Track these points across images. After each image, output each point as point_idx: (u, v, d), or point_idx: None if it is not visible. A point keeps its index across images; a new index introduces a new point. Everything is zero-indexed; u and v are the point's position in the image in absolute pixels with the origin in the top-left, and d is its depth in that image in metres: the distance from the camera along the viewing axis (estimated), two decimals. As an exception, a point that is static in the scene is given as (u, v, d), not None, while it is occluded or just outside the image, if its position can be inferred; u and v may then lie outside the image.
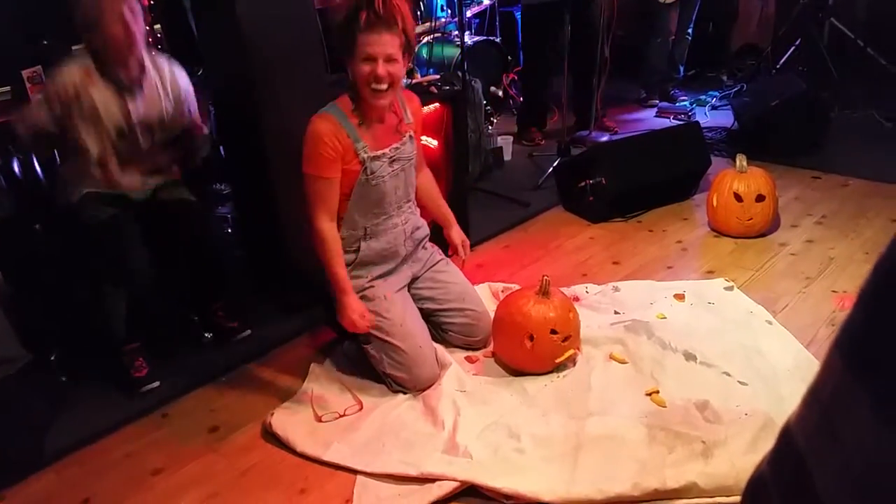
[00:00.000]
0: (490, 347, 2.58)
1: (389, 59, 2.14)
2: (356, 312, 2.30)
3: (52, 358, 2.60)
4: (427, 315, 2.55)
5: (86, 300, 2.57)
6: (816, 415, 0.50)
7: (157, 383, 2.52)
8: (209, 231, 2.75)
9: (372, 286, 2.42)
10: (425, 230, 2.59)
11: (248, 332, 2.78)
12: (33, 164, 2.78)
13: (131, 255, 2.44)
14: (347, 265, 2.38)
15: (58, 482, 2.17)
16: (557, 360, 2.40)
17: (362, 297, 2.37)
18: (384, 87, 2.17)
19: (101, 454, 2.26)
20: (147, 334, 2.63)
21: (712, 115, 4.98)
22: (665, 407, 2.22)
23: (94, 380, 2.57)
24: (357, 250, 2.40)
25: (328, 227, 2.30)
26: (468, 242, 2.69)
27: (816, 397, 0.50)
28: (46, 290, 2.63)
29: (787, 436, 0.53)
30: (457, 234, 2.65)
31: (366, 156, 2.26)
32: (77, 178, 2.51)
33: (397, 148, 2.35)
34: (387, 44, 2.12)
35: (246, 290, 3.03)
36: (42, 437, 2.30)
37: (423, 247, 2.59)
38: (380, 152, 2.30)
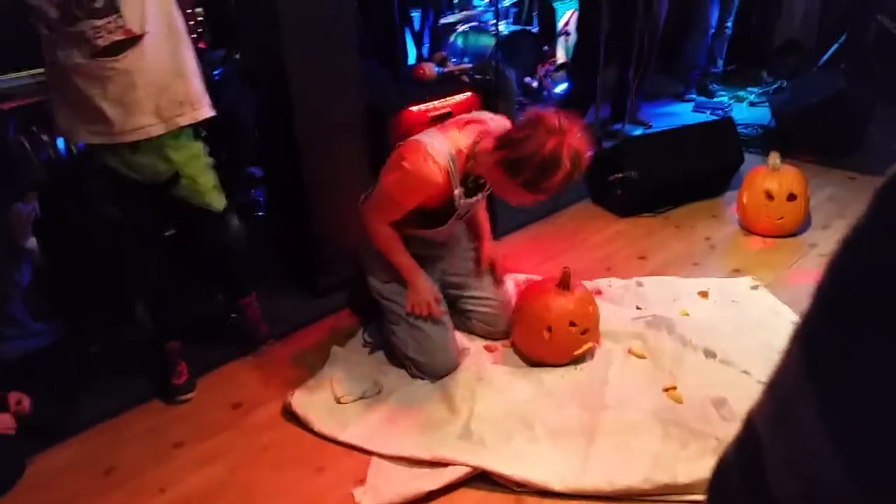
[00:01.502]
0: (509, 338, 2.60)
1: None
2: (423, 296, 2.37)
3: (84, 329, 2.69)
4: (452, 301, 2.58)
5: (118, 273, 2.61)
6: (774, 404, 0.51)
7: (192, 395, 2.44)
8: (231, 242, 2.50)
9: None
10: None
11: (274, 340, 2.68)
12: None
13: (143, 267, 2.39)
14: None
15: (82, 452, 2.25)
16: (575, 353, 2.41)
17: (399, 277, 2.42)
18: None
19: (125, 426, 2.34)
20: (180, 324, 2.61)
21: (750, 112, 4.90)
22: (682, 403, 2.22)
23: (124, 352, 2.65)
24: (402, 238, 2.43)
25: (386, 228, 2.34)
26: (502, 261, 2.67)
27: (777, 385, 0.51)
28: (80, 262, 2.70)
29: (748, 420, 0.54)
30: (488, 249, 2.62)
31: (459, 201, 2.28)
32: (71, 119, 2.14)
33: (484, 190, 2.38)
34: None
35: (273, 273, 3.09)
36: (69, 408, 2.39)
37: (458, 241, 2.61)
38: (470, 200, 2.32)
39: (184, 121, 2.17)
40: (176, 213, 2.44)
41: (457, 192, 2.24)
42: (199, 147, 2.28)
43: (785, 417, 0.49)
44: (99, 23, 1.97)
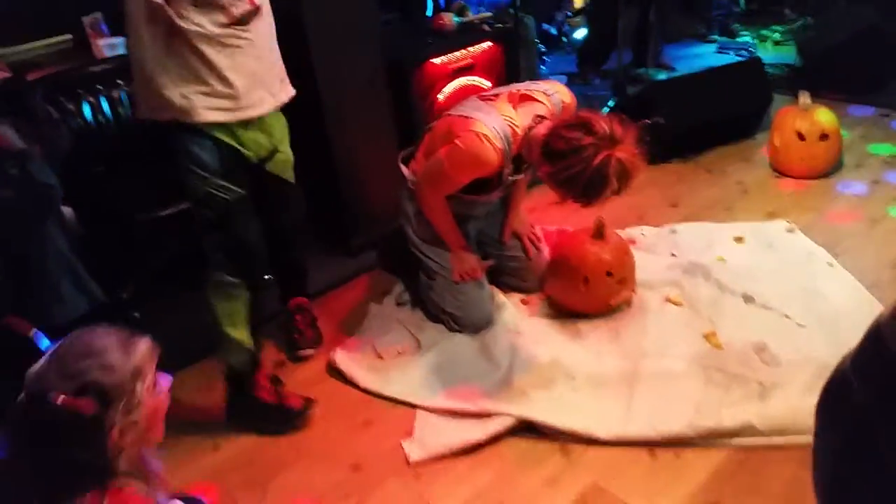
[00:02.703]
0: (545, 290, 2.61)
1: None
2: (469, 263, 2.42)
3: (125, 296, 2.72)
4: (485, 257, 2.59)
5: (170, 237, 2.57)
6: None
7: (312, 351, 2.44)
8: (303, 218, 2.46)
9: None
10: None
11: (312, 351, 2.50)
12: (103, 106, 2.82)
13: (256, 251, 2.20)
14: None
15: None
16: (612, 303, 2.42)
17: (436, 235, 2.43)
18: None
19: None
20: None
21: (775, 51, 4.79)
22: (722, 349, 2.23)
23: (168, 317, 2.67)
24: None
25: (440, 201, 2.34)
26: (531, 231, 2.65)
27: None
28: (119, 229, 2.71)
29: (877, 339, 0.54)
30: (512, 222, 2.59)
31: (509, 178, 2.27)
32: (189, 95, 1.93)
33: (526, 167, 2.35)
34: None
35: (305, 234, 3.09)
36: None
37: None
38: (516, 178, 2.32)
39: (285, 97, 2.14)
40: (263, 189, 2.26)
41: (507, 170, 2.23)
42: (286, 121, 2.23)
43: None
44: None
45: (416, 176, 2.39)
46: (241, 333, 2.14)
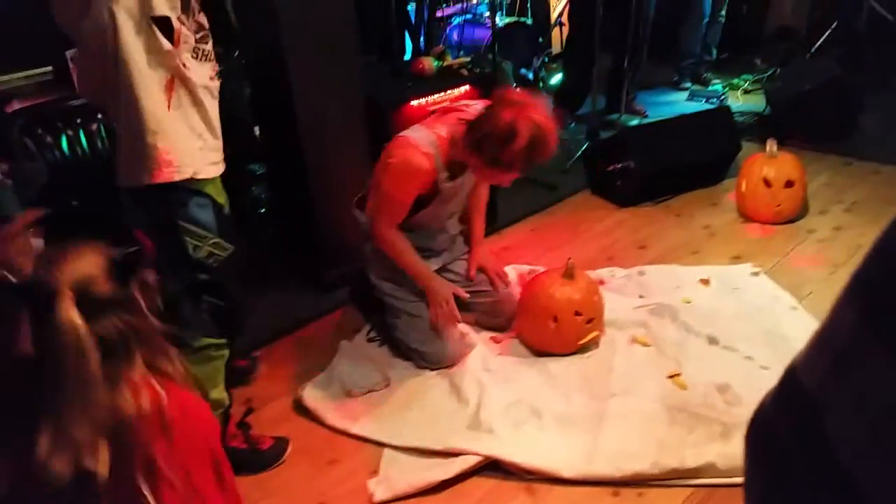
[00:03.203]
0: (515, 328, 2.63)
1: None
2: (443, 295, 2.43)
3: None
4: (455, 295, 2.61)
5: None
6: (828, 361, 0.53)
7: (286, 454, 2.20)
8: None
9: None
10: (459, 227, 2.68)
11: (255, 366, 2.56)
12: (81, 140, 2.83)
13: (240, 301, 2.10)
14: None
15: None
16: (581, 342, 2.45)
17: (397, 273, 2.46)
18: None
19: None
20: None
21: (744, 100, 4.93)
22: (686, 389, 2.26)
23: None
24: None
25: (393, 232, 2.38)
26: (497, 267, 2.68)
27: (827, 343, 0.53)
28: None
29: (793, 377, 0.56)
30: (477, 255, 2.65)
31: (444, 185, 2.34)
32: (194, 151, 1.81)
33: (467, 175, 2.40)
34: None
35: (279, 269, 3.11)
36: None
37: (455, 240, 2.67)
38: (453, 184, 2.37)
39: None
40: None
41: (441, 175, 2.29)
42: None
43: (844, 372, 0.51)
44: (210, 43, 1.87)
45: (369, 215, 2.43)
46: (220, 393, 2.04)
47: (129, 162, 1.78)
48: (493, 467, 2.06)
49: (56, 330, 1.00)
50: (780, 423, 0.58)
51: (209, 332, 1.95)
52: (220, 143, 1.89)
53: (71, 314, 1.01)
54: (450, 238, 2.61)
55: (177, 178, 1.78)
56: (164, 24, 1.71)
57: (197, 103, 1.80)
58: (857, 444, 0.50)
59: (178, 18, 1.73)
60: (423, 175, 2.25)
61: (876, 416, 0.49)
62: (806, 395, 0.55)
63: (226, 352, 2.03)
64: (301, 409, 2.34)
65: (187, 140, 1.79)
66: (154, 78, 1.72)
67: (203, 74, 1.81)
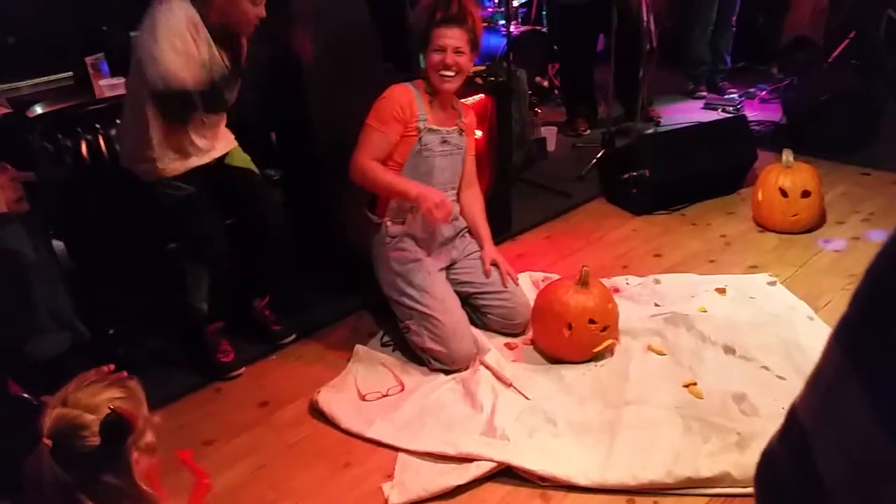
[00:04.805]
0: (529, 335, 2.63)
1: (457, 51, 2.45)
2: (433, 196, 2.42)
3: (111, 332, 2.73)
4: (465, 298, 2.63)
5: (157, 277, 2.63)
6: (818, 398, 0.55)
7: (242, 370, 2.58)
8: (271, 207, 2.67)
9: (418, 259, 2.56)
10: (463, 223, 2.72)
11: (294, 336, 2.76)
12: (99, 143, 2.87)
13: (211, 234, 2.46)
14: (393, 237, 2.57)
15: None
16: (595, 350, 2.45)
17: (407, 271, 2.52)
18: (451, 74, 2.47)
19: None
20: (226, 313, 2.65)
21: (761, 109, 4.92)
22: (702, 398, 2.25)
23: (153, 354, 2.69)
24: (404, 222, 2.56)
25: (372, 162, 2.49)
26: (507, 266, 2.71)
27: (818, 381, 0.55)
28: (109, 265, 2.73)
29: (793, 415, 0.58)
30: (488, 253, 2.70)
31: (423, 126, 2.50)
32: (146, 153, 2.36)
33: (449, 132, 2.58)
34: (456, 38, 2.44)
35: (294, 274, 3.12)
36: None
37: (462, 236, 2.71)
38: (435, 128, 2.53)
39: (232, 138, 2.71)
40: (220, 179, 2.62)
41: (420, 115, 2.51)
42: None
43: (830, 408, 0.53)
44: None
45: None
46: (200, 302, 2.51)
47: (128, 157, 2.49)
48: (507, 473, 2.06)
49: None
50: (783, 461, 0.60)
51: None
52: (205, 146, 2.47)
53: None
54: (451, 227, 2.63)
55: (151, 179, 2.42)
56: None
57: (186, 135, 2.40)
58: (841, 478, 0.52)
59: None
60: (399, 101, 2.46)
61: (854, 451, 0.50)
62: (802, 431, 0.56)
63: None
64: (316, 412, 2.35)
65: (173, 159, 2.41)
66: (152, 110, 2.33)
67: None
